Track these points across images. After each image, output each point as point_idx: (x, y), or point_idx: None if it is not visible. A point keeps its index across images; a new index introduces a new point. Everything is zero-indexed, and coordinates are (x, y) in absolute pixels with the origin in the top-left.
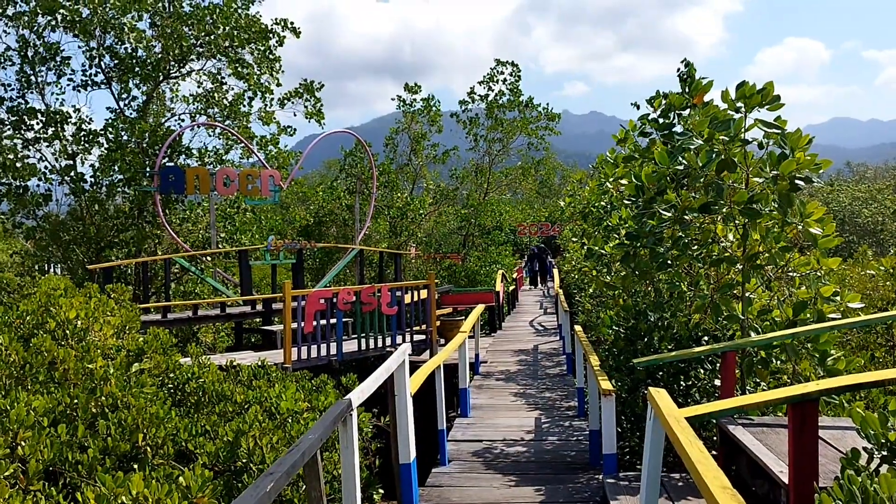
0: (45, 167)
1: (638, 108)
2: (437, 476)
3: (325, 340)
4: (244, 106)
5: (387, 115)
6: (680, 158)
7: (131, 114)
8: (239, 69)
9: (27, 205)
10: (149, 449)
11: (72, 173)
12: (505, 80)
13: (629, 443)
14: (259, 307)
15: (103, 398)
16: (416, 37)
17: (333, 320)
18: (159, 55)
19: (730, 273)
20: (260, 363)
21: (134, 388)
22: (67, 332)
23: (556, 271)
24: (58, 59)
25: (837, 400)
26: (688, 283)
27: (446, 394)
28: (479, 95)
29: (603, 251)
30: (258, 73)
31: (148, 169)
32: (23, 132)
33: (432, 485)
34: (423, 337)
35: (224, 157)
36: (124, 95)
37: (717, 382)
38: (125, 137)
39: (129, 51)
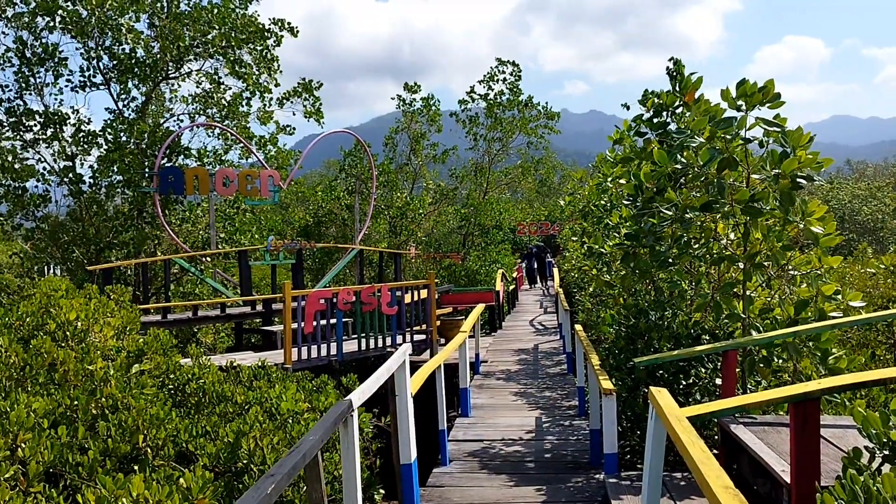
0: (44, 168)
1: (628, 108)
2: (438, 476)
3: (325, 341)
4: (243, 106)
5: (386, 115)
6: (679, 157)
7: (130, 115)
8: (237, 69)
9: (26, 206)
10: (149, 450)
11: (70, 174)
12: (505, 79)
13: (630, 442)
14: (259, 307)
15: (103, 399)
16: (415, 36)
17: (333, 320)
18: (157, 56)
19: (731, 272)
20: (260, 364)
21: (134, 389)
22: (67, 333)
23: (556, 270)
24: (55, 59)
25: (839, 398)
26: (688, 281)
27: (447, 394)
28: (479, 95)
29: (603, 250)
30: (256, 73)
31: (147, 170)
32: (21, 133)
33: (433, 485)
34: (423, 337)
35: (223, 158)
36: (123, 96)
37: (719, 381)
38: (124, 138)
39: (128, 51)
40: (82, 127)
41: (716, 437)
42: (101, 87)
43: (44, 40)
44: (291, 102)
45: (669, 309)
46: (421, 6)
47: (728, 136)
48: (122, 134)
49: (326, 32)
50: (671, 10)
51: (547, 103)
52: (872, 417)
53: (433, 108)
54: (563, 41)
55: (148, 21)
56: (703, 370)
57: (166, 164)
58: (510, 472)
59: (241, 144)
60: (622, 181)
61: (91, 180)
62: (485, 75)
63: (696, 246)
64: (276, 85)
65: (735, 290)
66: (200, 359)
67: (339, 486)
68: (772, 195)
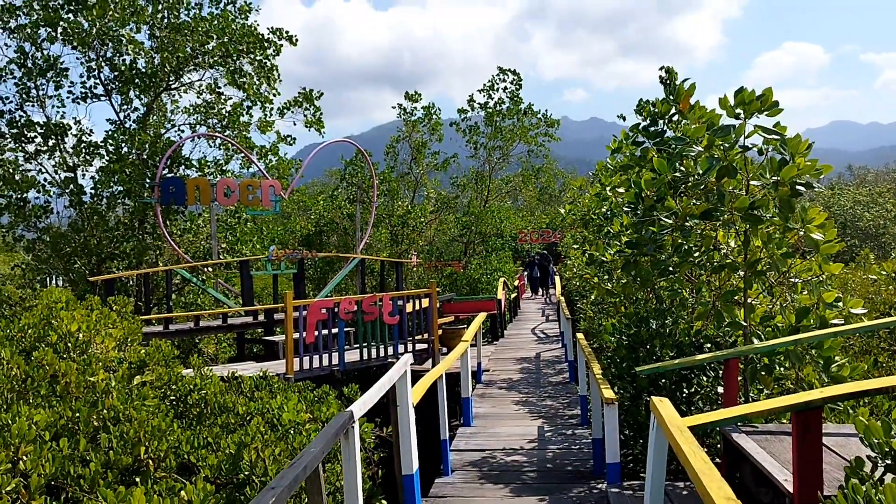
0: (45, 179)
1: (624, 119)
2: (440, 486)
3: (326, 350)
4: (243, 116)
5: (386, 124)
6: (678, 165)
7: (131, 125)
8: (236, 79)
9: (27, 217)
10: (151, 462)
11: (72, 185)
12: (506, 87)
13: (632, 451)
14: (261, 317)
15: (105, 411)
16: (414, 45)
17: (335, 330)
18: (157, 66)
19: (731, 279)
20: (262, 374)
21: (136, 400)
22: (69, 344)
23: (557, 278)
24: (57, 70)
25: (842, 407)
26: (689, 289)
27: (449, 403)
28: (479, 104)
29: (604, 258)
30: (256, 82)
31: (148, 180)
32: (23, 145)
33: (435, 495)
34: (425, 346)
35: (224, 168)
36: (125, 107)
37: (720, 390)
38: (125, 149)
39: (128, 62)
40: (83, 138)
41: (718, 445)
42: (102, 97)
43: (45, 51)
44: (292, 112)
45: (671, 317)
46: (420, 15)
47: (726, 145)
48: (123, 145)
49: (326, 42)
50: (670, 16)
51: (547, 111)
52: (874, 426)
53: (434, 117)
54: (563, 48)
55: (148, 32)
56: (704, 379)
57: (167, 175)
58: (512, 482)
59: (242, 154)
60: (621, 190)
61: (92, 191)
62: (485, 84)
63: (697, 254)
64: (276, 94)
65: (736, 297)
66: (202, 369)
67: (341, 497)
68: (771, 202)
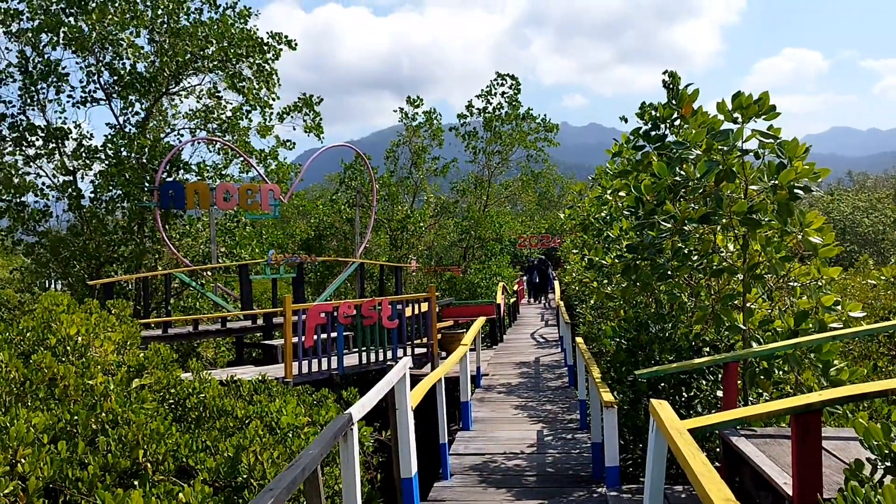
0: (44, 183)
1: (626, 122)
2: (439, 490)
3: (325, 354)
4: (243, 120)
5: (385, 129)
6: (678, 169)
7: (131, 129)
8: (236, 83)
9: (26, 221)
10: (149, 465)
11: (70, 189)
12: (504, 93)
13: (632, 455)
14: (260, 321)
15: (104, 414)
16: (413, 51)
17: (334, 334)
18: (156, 70)
19: (730, 283)
20: (261, 378)
21: (134, 403)
22: (68, 348)
23: (556, 283)
24: (57, 75)
25: (841, 410)
26: (688, 293)
27: (448, 407)
28: (478, 109)
29: (603, 262)
30: (256, 87)
31: (147, 184)
32: (24, 149)
33: (434, 499)
34: (424, 350)
35: (224, 172)
36: (124, 111)
37: (720, 393)
38: (125, 153)
39: (128, 67)
40: (83, 142)
41: (717, 449)
42: (102, 102)
43: (46, 56)
44: (291, 117)
45: (670, 321)
46: (420, 21)
47: (725, 148)
48: (122, 149)
49: (325, 47)
50: (669, 23)
51: (546, 115)
52: (874, 429)
53: (435, 122)
54: (561, 54)
55: (147, 36)
56: (704, 382)
57: (167, 179)
58: (512, 486)
59: (242, 159)
60: (622, 194)
61: (92, 195)
62: (483, 90)
63: (696, 258)
64: (276, 99)
65: (735, 301)
66: (201, 373)
67: (340, 500)
68: (770, 206)
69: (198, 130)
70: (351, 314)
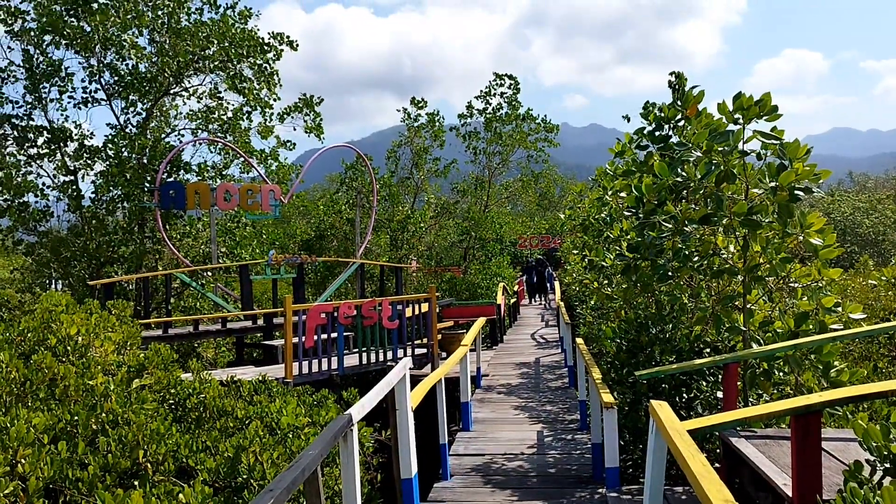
0: (44, 184)
1: (629, 121)
2: (438, 491)
3: (326, 355)
4: (243, 120)
5: (386, 130)
6: (679, 170)
7: (132, 130)
8: (237, 83)
9: (27, 221)
10: (149, 465)
11: (71, 189)
12: (503, 93)
13: (632, 456)
14: (260, 322)
15: (104, 415)
16: (414, 51)
17: (334, 334)
18: (157, 70)
19: (731, 284)
20: (261, 378)
21: (135, 404)
22: (68, 348)
23: (557, 283)
24: (61, 75)
25: (841, 411)
26: (689, 294)
27: (448, 408)
28: (478, 110)
29: (604, 263)
30: (257, 87)
31: (148, 184)
32: (26, 149)
33: (434, 500)
34: (424, 351)
35: (224, 172)
36: (126, 111)
37: (720, 395)
38: (126, 153)
39: (129, 67)
40: (84, 142)
41: (717, 450)
42: (103, 102)
43: (50, 56)
44: (292, 118)
45: (670, 322)
46: (420, 21)
47: (725, 149)
48: (123, 149)
49: (326, 47)
50: (669, 23)
51: (546, 116)
52: (873, 430)
53: (437, 124)
54: (562, 55)
55: (148, 37)
56: (704, 383)
57: (167, 179)
58: (512, 487)
59: (242, 159)
60: (623, 194)
61: (92, 195)
62: (482, 90)
63: (697, 259)
64: (277, 99)
65: (735, 302)
66: (201, 373)
67: (340, 500)
68: (770, 207)
69: (199, 131)
70: (351, 314)
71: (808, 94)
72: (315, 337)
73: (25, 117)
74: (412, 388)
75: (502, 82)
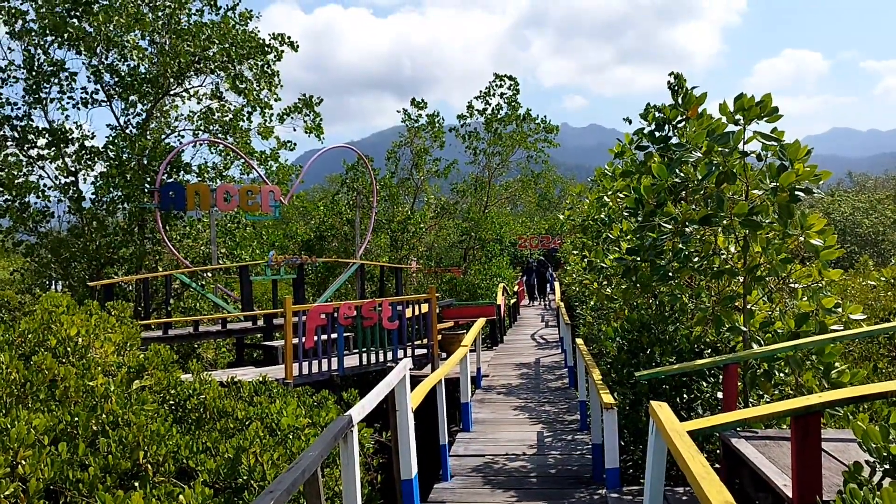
0: (45, 185)
1: (630, 122)
2: (439, 491)
3: (326, 356)
4: (244, 121)
5: (386, 130)
6: (678, 171)
7: (132, 131)
8: (237, 84)
9: (27, 222)
10: (150, 466)
11: (72, 190)
12: (503, 94)
13: (632, 456)
14: (260, 323)
15: (104, 416)
16: (414, 52)
17: (334, 335)
18: (157, 71)
19: (731, 285)
20: (261, 379)
21: (135, 405)
22: (68, 349)
23: (557, 284)
24: (62, 75)
25: (841, 412)
26: (689, 295)
27: (448, 408)
28: (478, 110)
29: (603, 264)
30: (257, 88)
31: (148, 185)
32: (27, 150)
33: (434, 500)
34: (424, 351)
35: (224, 173)
36: (126, 112)
37: (720, 395)
38: (126, 154)
39: (130, 68)
40: (85, 143)
41: (717, 451)
42: (104, 103)
43: (51, 56)
44: (292, 118)
45: (670, 323)
46: (420, 22)
47: (726, 150)
48: (123, 150)
49: (326, 48)
50: (669, 24)
51: (546, 116)
52: (872, 431)
53: (437, 124)
54: (561, 55)
55: (149, 38)
56: (704, 384)
57: (167, 180)
58: (512, 488)
59: (242, 160)
60: (623, 195)
61: (92, 196)
62: (481, 91)
63: (697, 259)
64: (277, 100)
65: (735, 303)
66: (201, 374)
67: (340, 501)
68: (771, 208)
69: (199, 132)
70: (351, 315)
71: (807, 94)
72: (315, 338)
73: (25, 118)
74: (412, 389)
75: (502, 83)
